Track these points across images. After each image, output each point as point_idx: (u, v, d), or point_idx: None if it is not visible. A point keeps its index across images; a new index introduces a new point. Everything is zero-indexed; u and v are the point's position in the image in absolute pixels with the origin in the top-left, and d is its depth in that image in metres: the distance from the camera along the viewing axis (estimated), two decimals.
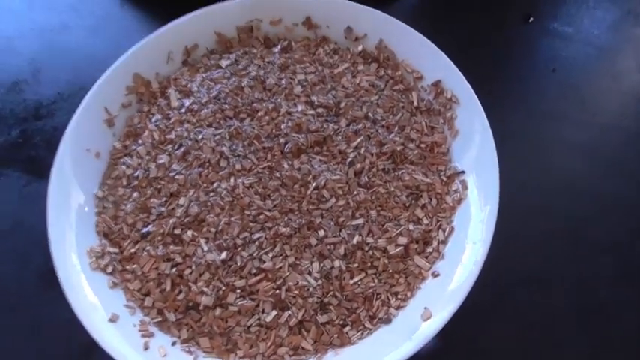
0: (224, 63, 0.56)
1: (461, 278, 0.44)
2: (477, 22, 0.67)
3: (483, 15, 0.67)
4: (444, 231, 0.47)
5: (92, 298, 0.46)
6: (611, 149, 0.61)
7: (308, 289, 0.45)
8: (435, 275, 0.46)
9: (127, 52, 0.54)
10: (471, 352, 0.51)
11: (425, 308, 0.44)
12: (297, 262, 0.46)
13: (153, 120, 0.54)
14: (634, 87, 0.64)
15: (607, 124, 0.62)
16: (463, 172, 0.49)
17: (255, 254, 0.46)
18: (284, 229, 0.47)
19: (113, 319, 0.45)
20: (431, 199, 0.49)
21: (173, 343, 0.45)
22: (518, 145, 0.59)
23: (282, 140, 0.50)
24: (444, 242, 0.47)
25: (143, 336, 0.45)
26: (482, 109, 0.48)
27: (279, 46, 0.56)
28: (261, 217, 0.48)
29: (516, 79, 0.64)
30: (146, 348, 0.44)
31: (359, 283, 0.46)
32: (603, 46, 0.66)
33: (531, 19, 0.67)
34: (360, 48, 0.55)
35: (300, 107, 0.52)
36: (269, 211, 0.48)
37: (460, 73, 0.50)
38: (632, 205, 0.58)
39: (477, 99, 0.49)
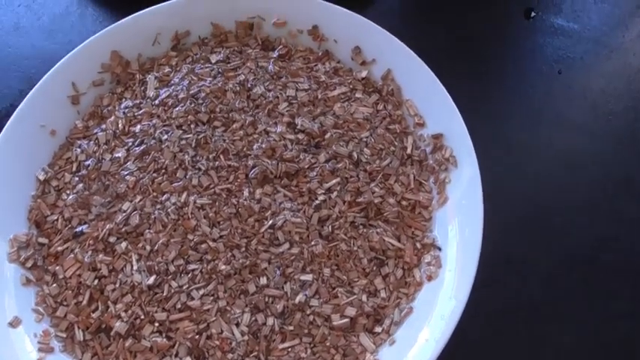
0: (214, 58, 0.50)
1: None
2: (475, 17, 0.60)
3: (481, 9, 0.61)
4: (401, 311, 0.41)
5: (1, 294, 0.41)
6: (625, 161, 0.54)
7: (231, 343, 0.40)
8: None
9: (108, 27, 0.48)
10: None
11: None
12: (228, 307, 0.41)
13: (122, 105, 0.48)
14: None
15: (621, 132, 0.55)
16: (439, 249, 0.42)
17: (185, 287, 0.41)
18: (224, 267, 0.41)
19: (14, 324, 0.41)
20: (396, 269, 0.42)
21: None
22: (524, 157, 0.53)
23: (250, 162, 0.44)
24: (398, 324, 0.41)
25: (40, 350, 0.40)
26: (480, 184, 0.41)
27: (277, 52, 0.49)
28: (203, 245, 0.42)
29: (519, 82, 0.58)
30: None
31: (289, 350, 0.40)
32: (613, 45, 0.60)
33: (533, 14, 0.61)
34: (364, 74, 0.49)
35: (280, 128, 0.46)
36: (214, 240, 0.42)
37: (467, 132, 0.43)
38: None
39: (477, 168, 0.42)
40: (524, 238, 0.49)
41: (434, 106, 0.45)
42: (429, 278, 0.41)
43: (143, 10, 0.49)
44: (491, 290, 0.46)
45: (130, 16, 0.49)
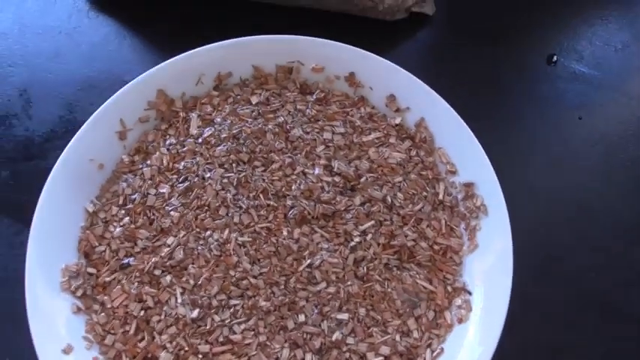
0: (255, 100, 0.52)
1: None
2: (497, 61, 0.63)
3: (503, 55, 0.63)
4: (432, 351, 0.43)
5: (53, 323, 0.44)
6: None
7: None
8: None
9: (156, 66, 0.51)
10: None
11: None
12: (268, 342, 0.43)
13: (167, 142, 0.51)
14: None
15: (636, 177, 0.58)
16: (470, 294, 0.44)
17: (227, 321, 0.44)
18: (264, 303, 0.44)
19: (67, 351, 0.43)
20: (428, 311, 0.44)
21: None
22: (545, 203, 0.55)
23: (289, 202, 0.47)
24: None
25: None
26: (510, 235, 0.43)
27: (314, 96, 0.52)
28: (244, 281, 0.45)
29: (540, 126, 0.60)
30: None
31: None
32: (632, 92, 0.62)
33: (555, 59, 0.63)
34: (397, 120, 0.51)
35: (317, 170, 0.48)
36: (254, 277, 0.45)
37: (498, 183, 0.45)
38: None
39: (507, 220, 0.44)
40: (542, 281, 0.52)
41: (465, 154, 0.48)
42: (460, 321, 0.44)
43: (188, 52, 0.52)
44: (509, 330, 0.48)
45: (176, 57, 0.51)
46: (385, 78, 0.51)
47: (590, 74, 0.63)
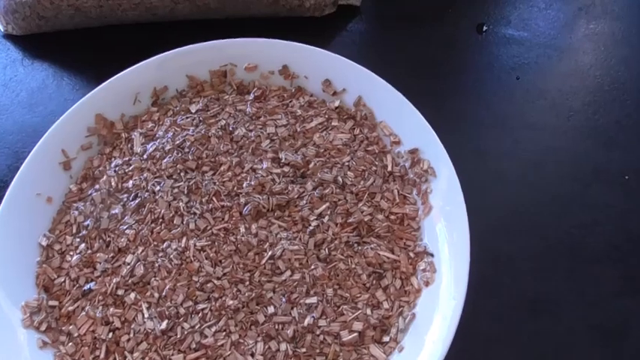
0: (194, 108, 0.52)
1: None
2: (429, 37, 0.64)
3: (434, 32, 0.65)
4: (404, 318, 0.43)
5: None
6: (591, 152, 0.57)
7: None
8: None
9: (90, 92, 0.51)
10: None
11: None
12: (241, 340, 0.42)
13: (113, 164, 0.51)
14: (601, 84, 0.61)
15: (583, 126, 0.59)
16: (432, 255, 0.44)
17: (197, 327, 0.43)
18: (231, 302, 0.43)
19: None
20: (394, 280, 0.44)
21: None
22: (496, 161, 0.56)
23: (242, 200, 0.47)
24: (404, 331, 0.43)
25: None
26: (459, 187, 0.44)
27: (252, 94, 0.52)
28: (208, 285, 0.44)
29: (481, 92, 0.61)
30: None
31: None
32: (562, 46, 0.64)
33: (485, 28, 0.65)
34: (337, 103, 0.52)
35: (265, 164, 0.48)
36: (218, 279, 0.44)
37: (440, 143, 0.46)
38: (622, 210, 0.54)
39: (455, 174, 0.45)
40: (507, 237, 0.52)
41: (406, 123, 0.48)
42: (427, 284, 0.44)
43: (120, 73, 0.52)
44: (483, 288, 0.48)
45: (108, 80, 0.52)
46: (318, 64, 0.51)
47: (520, 36, 0.65)
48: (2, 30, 0.65)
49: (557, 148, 0.57)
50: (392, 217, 0.47)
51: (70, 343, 0.44)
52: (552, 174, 0.56)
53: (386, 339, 0.43)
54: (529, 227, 0.52)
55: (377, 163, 0.49)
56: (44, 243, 0.47)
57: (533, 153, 0.57)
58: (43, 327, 0.44)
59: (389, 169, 0.49)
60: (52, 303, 0.45)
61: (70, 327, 0.44)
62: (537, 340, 0.48)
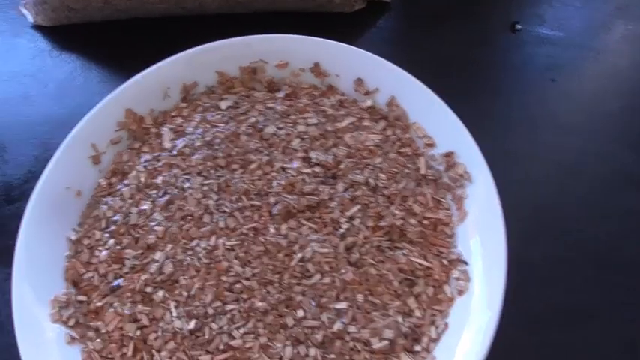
0: (223, 105, 0.52)
1: None
2: (460, 36, 0.63)
3: (467, 30, 0.64)
4: (437, 327, 0.42)
5: (47, 357, 0.42)
6: (625, 158, 0.56)
7: None
8: None
9: (119, 86, 0.50)
10: None
11: None
12: (269, 343, 0.42)
13: (142, 159, 0.50)
14: (637, 88, 0.60)
15: (615, 131, 0.57)
16: (466, 263, 0.43)
17: (225, 328, 0.43)
18: (260, 304, 0.43)
19: None
20: (427, 287, 0.43)
21: None
22: (529, 165, 0.55)
23: (272, 200, 0.46)
24: (436, 340, 0.42)
25: None
26: (496, 194, 0.43)
27: (282, 92, 0.52)
28: (237, 285, 0.44)
29: (513, 92, 0.60)
30: None
31: None
32: (598, 47, 0.62)
33: (519, 27, 0.63)
34: (369, 102, 0.51)
35: (296, 164, 0.48)
36: (247, 279, 0.44)
37: (477, 147, 0.45)
38: None
39: (492, 180, 0.44)
40: (535, 242, 0.51)
41: (440, 125, 0.48)
42: (460, 292, 0.43)
43: (150, 68, 0.51)
44: (510, 296, 0.47)
45: (138, 74, 0.51)
46: (350, 63, 0.51)
47: (554, 36, 0.63)
48: (32, 20, 0.65)
49: (590, 152, 0.56)
50: (425, 222, 0.46)
51: (98, 339, 0.44)
52: (584, 178, 0.55)
53: (417, 348, 0.42)
54: (558, 233, 0.51)
55: (410, 165, 0.48)
56: (73, 237, 0.47)
57: (565, 156, 0.56)
58: (72, 322, 0.44)
59: (422, 172, 0.48)
60: (80, 298, 0.45)
61: (98, 323, 0.44)
62: (567, 351, 0.47)
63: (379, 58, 0.50)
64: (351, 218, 0.45)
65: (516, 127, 0.58)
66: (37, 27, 0.65)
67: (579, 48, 0.63)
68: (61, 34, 0.65)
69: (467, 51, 0.62)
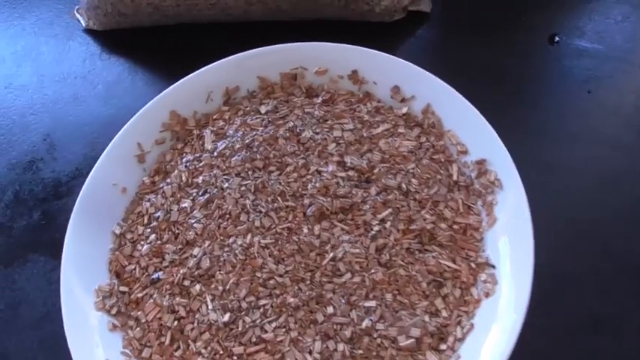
0: (263, 109, 0.54)
1: None
2: (498, 47, 0.63)
3: (505, 41, 0.64)
4: (462, 328, 0.43)
5: (90, 341, 0.45)
6: None
7: None
8: None
9: (165, 89, 0.53)
10: None
11: None
12: (300, 337, 0.44)
13: (184, 160, 0.53)
14: None
15: None
16: (494, 267, 0.44)
17: (258, 322, 0.44)
18: (292, 300, 0.44)
19: None
20: (454, 289, 0.44)
21: None
22: (566, 177, 0.55)
23: (306, 201, 0.48)
24: (461, 340, 0.43)
25: None
26: (526, 200, 0.44)
27: (320, 98, 0.53)
28: (271, 281, 0.45)
29: (550, 104, 0.60)
30: None
31: None
32: (639, 61, 0.62)
33: (557, 39, 0.63)
34: (404, 110, 0.52)
35: (331, 167, 0.49)
36: (280, 276, 0.46)
37: (509, 155, 0.46)
38: None
39: (522, 187, 0.44)
40: (571, 254, 0.51)
41: (474, 133, 0.48)
42: (487, 295, 0.44)
43: (195, 72, 0.54)
44: (543, 305, 0.47)
45: (183, 79, 0.54)
46: (387, 71, 0.52)
47: (593, 49, 0.63)
48: (84, 25, 0.68)
49: (628, 167, 0.56)
50: (455, 226, 0.47)
51: (138, 328, 0.46)
52: (621, 193, 0.55)
53: (443, 347, 0.43)
54: (594, 246, 0.51)
55: (442, 171, 0.49)
56: (117, 231, 0.50)
57: (603, 170, 0.56)
58: (114, 311, 0.47)
59: (454, 178, 0.49)
60: (122, 289, 0.48)
61: (139, 313, 0.47)
62: None
63: (416, 67, 0.51)
64: (383, 221, 0.47)
65: (553, 138, 0.58)
66: (89, 31, 0.69)
67: (618, 61, 0.62)
68: (111, 38, 0.68)
69: (504, 62, 0.63)
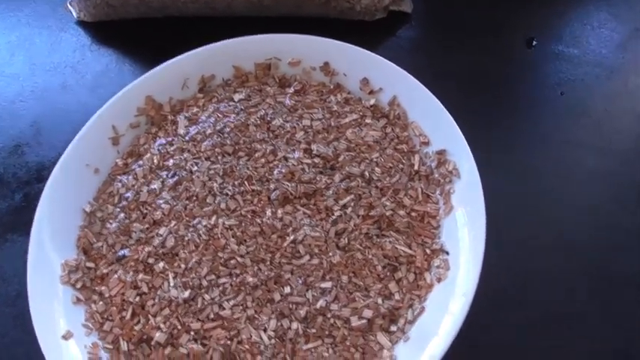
0: (237, 97, 0.55)
1: None
2: (477, 49, 0.65)
3: (483, 44, 0.65)
4: (414, 311, 0.44)
5: (53, 313, 0.46)
6: (635, 175, 0.56)
7: (259, 347, 0.43)
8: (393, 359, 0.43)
9: (143, 75, 0.54)
10: None
11: None
12: (256, 315, 0.45)
13: (157, 143, 0.54)
14: None
15: (625, 149, 0.58)
16: (447, 253, 0.45)
17: (216, 299, 0.45)
18: (251, 279, 0.45)
19: (66, 337, 0.45)
20: (408, 273, 0.45)
21: None
22: (534, 176, 0.56)
23: (272, 186, 0.49)
24: (412, 322, 0.44)
25: None
26: (481, 191, 0.45)
27: (292, 88, 0.55)
28: (232, 261, 0.46)
29: (524, 106, 0.61)
30: None
31: (312, 350, 0.43)
32: (613, 66, 0.63)
33: (535, 42, 0.64)
34: (372, 101, 0.53)
35: (297, 154, 0.50)
36: (241, 256, 0.47)
37: (467, 145, 0.47)
38: None
39: (477, 176, 0.45)
40: (540, 253, 0.52)
41: (437, 125, 0.50)
42: (439, 280, 0.45)
43: (172, 60, 0.55)
44: (508, 302, 0.48)
45: (160, 65, 0.55)
46: (357, 63, 0.53)
47: (569, 52, 0.65)
48: (75, 16, 0.70)
49: (599, 168, 0.57)
50: (413, 213, 0.48)
51: (101, 302, 0.47)
52: (591, 194, 0.56)
53: (393, 328, 0.44)
54: (563, 246, 0.52)
55: (404, 161, 0.50)
56: (88, 209, 0.51)
57: (574, 171, 0.57)
58: (79, 285, 0.48)
59: (415, 167, 0.50)
60: (89, 264, 0.49)
61: (103, 288, 0.48)
62: (554, 357, 0.48)
63: (385, 60, 0.52)
64: (344, 207, 0.48)
65: (527, 139, 0.59)
66: (82, 23, 0.70)
67: (592, 65, 0.63)
68: (102, 30, 0.70)
69: (482, 64, 0.64)
